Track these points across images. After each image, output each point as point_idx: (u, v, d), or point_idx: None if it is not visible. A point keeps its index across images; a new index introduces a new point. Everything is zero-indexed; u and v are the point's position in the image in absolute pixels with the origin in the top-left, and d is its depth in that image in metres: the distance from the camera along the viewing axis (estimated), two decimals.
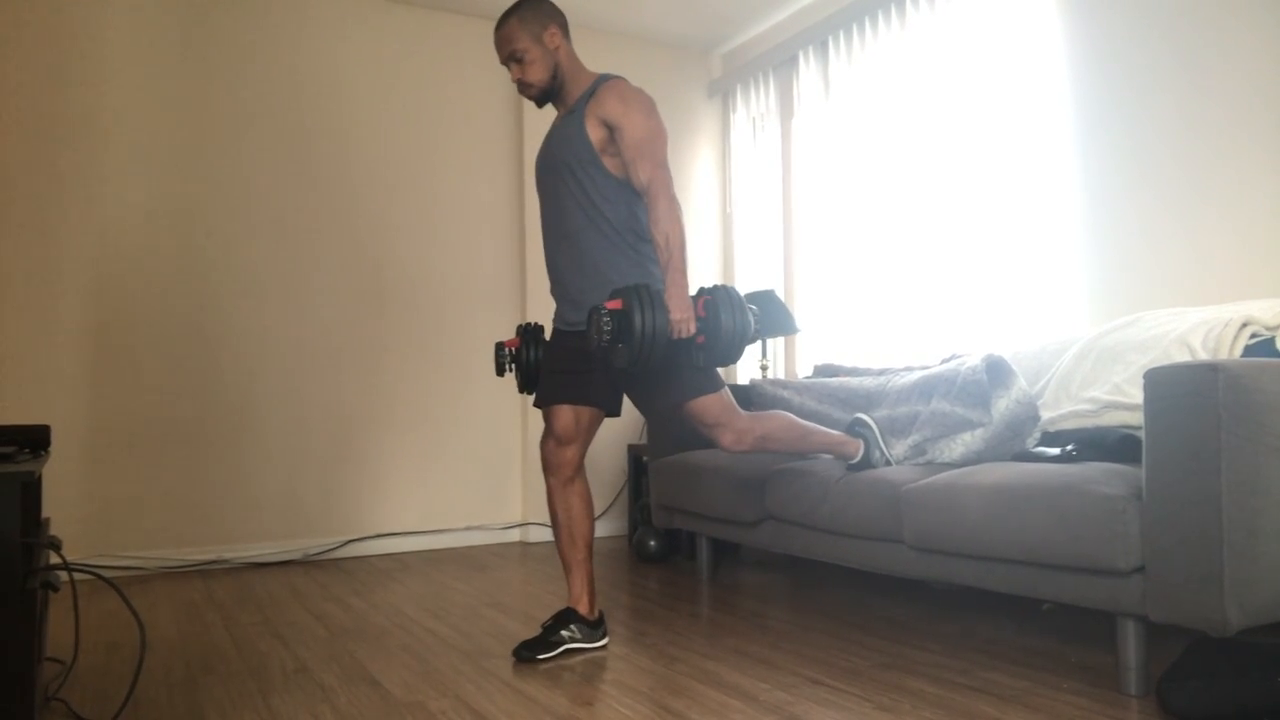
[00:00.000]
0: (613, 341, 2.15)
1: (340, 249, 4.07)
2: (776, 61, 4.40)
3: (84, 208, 3.61)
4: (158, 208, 3.74)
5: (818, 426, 2.63)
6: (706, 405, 2.39)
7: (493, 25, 4.42)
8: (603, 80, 2.38)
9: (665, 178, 2.29)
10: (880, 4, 3.76)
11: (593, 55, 4.56)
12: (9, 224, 3.49)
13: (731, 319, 2.21)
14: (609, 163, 2.34)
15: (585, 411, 2.44)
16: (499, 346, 2.61)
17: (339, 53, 4.10)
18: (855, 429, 2.71)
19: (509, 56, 2.39)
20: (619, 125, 2.30)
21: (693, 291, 2.29)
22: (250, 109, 3.92)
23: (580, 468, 2.46)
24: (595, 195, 2.35)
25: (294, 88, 4.01)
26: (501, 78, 4.44)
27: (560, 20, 2.41)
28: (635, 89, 2.36)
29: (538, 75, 2.38)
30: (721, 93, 4.85)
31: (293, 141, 3.99)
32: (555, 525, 2.45)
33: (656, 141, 2.31)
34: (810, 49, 4.19)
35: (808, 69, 4.22)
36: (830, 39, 4.07)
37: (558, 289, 2.49)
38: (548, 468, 2.43)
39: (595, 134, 2.33)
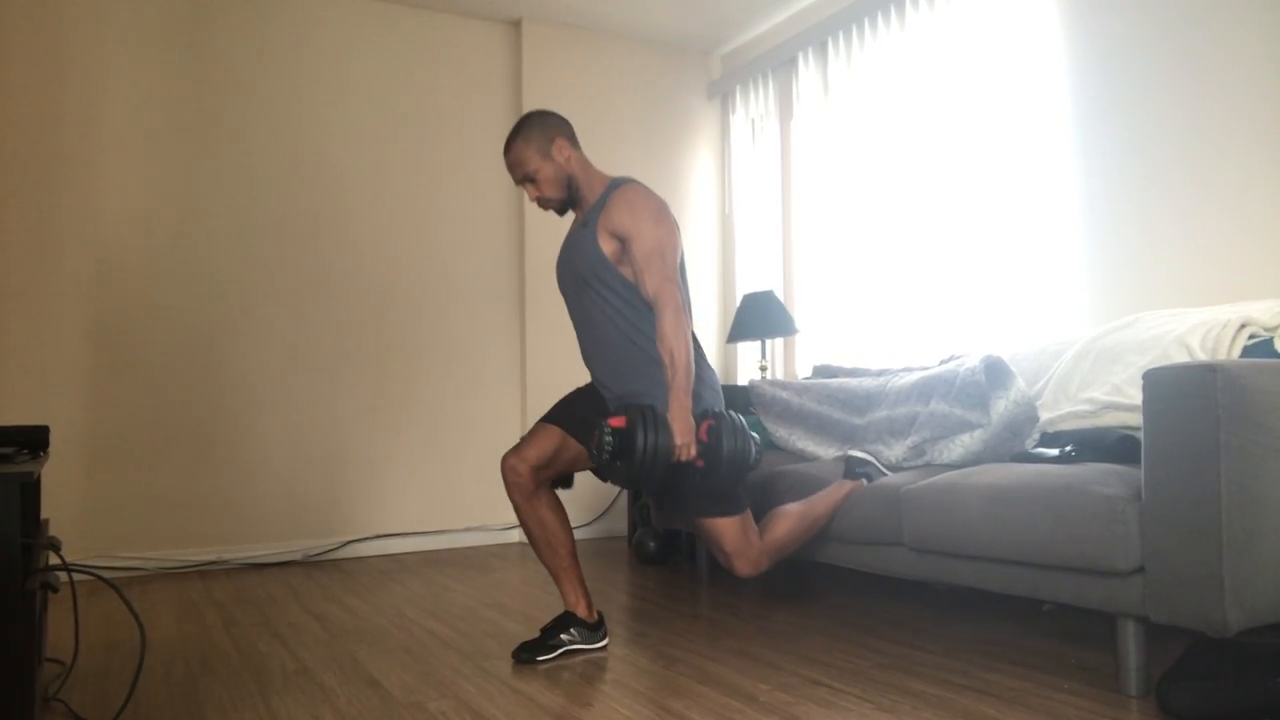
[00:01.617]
0: (612, 459, 2.16)
1: (340, 249, 4.07)
2: (776, 63, 4.41)
3: (84, 207, 3.61)
4: (158, 208, 3.74)
5: (816, 498, 2.60)
6: (723, 529, 2.38)
7: (495, 26, 4.43)
8: (613, 188, 2.37)
9: (673, 291, 2.26)
10: (880, 5, 3.76)
11: (593, 56, 4.57)
12: (9, 224, 3.48)
13: (734, 445, 2.20)
14: (626, 271, 2.33)
15: (574, 446, 2.41)
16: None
17: (339, 54, 4.11)
18: (855, 471, 2.67)
19: (523, 178, 2.39)
20: (628, 237, 2.28)
21: (701, 411, 2.29)
22: (250, 109, 3.92)
23: (542, 483, 2.40)
24: (619, 303, 2.34)
25: (294, 88, 4.01)
26: (502, 80, 4.44)
27: (566, 131, 2.40)
28: (644, 196, 2.34)
29: (554, 191, 2.39)
30: (721, 94, 4.85)
31: (292, 142, 3.99)
32: (532, 541, 2.42)
33: (665, 251, 2.28)
34: (809, 50, 4.20)
35: (807, 70, 4.22)
36: (829, 40, 4.08)
37: (596, 380, 2.48)
38: (508, 485, 2.38)
39: (608, 246, 2.32)
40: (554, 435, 2.40)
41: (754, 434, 2.26)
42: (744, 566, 2.42)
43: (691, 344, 2.26)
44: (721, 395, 2.47)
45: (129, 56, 3.71)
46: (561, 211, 2.46)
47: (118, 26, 3.69)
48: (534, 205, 4.38)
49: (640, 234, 2.28)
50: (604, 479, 2.38)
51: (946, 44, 3.51)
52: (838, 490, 2.63)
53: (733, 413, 2.27)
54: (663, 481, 2.21)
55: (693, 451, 2.18)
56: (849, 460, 2.69)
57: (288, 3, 4.01)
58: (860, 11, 3.86)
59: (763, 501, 2.94)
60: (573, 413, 2.44)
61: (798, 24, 4.32)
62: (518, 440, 4.33)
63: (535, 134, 2.37)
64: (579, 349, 2.50)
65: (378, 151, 4.17)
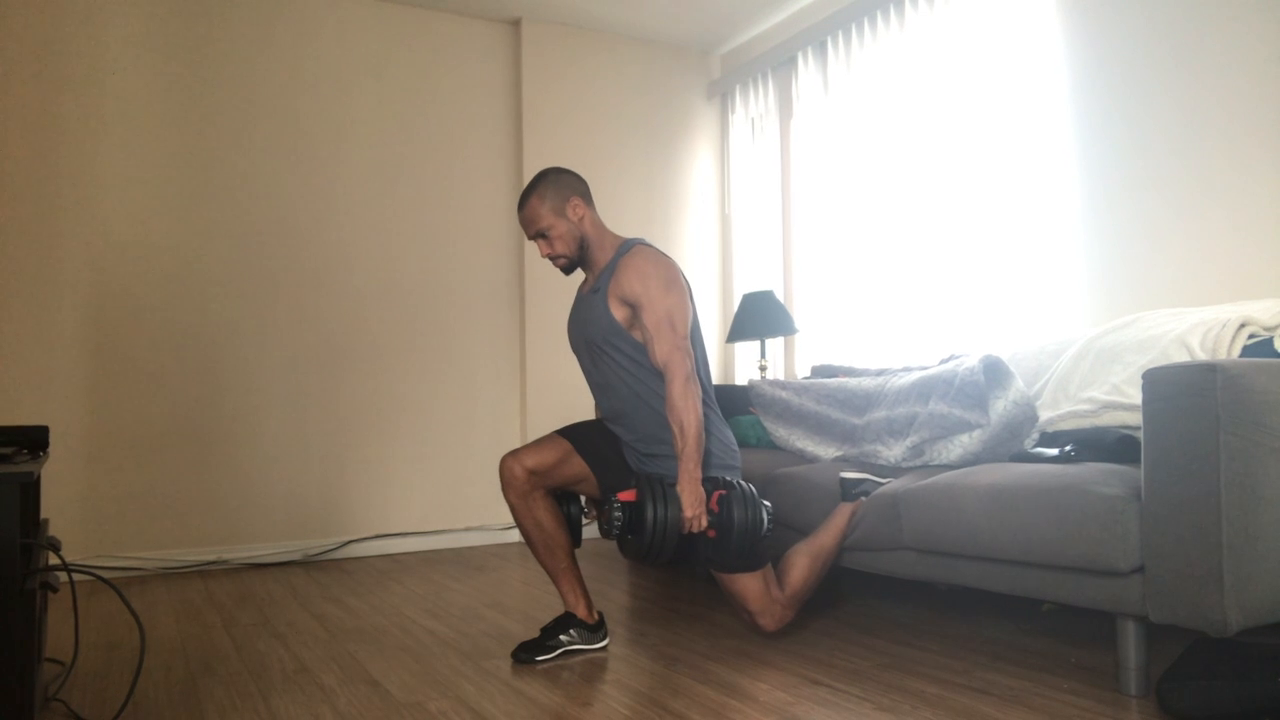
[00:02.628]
0: (622, 533, 2.17)
1: (340, 250, 4.06)
2: (775, 62, 4.41)
3: (84, 209, 3.61)
4: (157, 208, 3.74)
5: (822, 530, 2.58)
6: (746, 586, 2.36)
7: (495, 27, 4.43)
8: (623, 252, 2.37)
9: (682, 360, 2.25)
10: (879, 4, 3.76)
11: (593, 56, 4.57)
12: (9, 224, 3.48)
13: (745, 514, 2.20)
14: (639, 335, 2.34)
15: (579, 465, 2.41)
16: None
17: (339, 52, 4.10)
18: (853, 493, 2.65)
19: (535, 234, 2.39)
20: (638, 304, 2.29)
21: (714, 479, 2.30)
22: (250, 109, 3.92)
23: (537, 486, 2.39)
24: (633, 367, 2.35)
25: (294, 87, 4.01)
26: (502, 79, 4.44)
27: (582, 190, 2.40)
28: (654, 262, 2.33)
29: (565, 248, 2.39)
30: (720, 93, 4.85)
31: (292, 142, 3.99)
32: (530, 542, 2.42)
33: (675, 318, 2.28)
34: (809, 50, 4.20)
35: (806, 69, 4.22)
36: (829, 39, 4.07)
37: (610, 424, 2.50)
38: (504, 485, 2.37)
39: (619, 313, 2.33)
40: (561, 448, 2.40)
41: (765, 503, 2.26)
42: (769, 623, 2.40)
43: (701, 413, 2.25)
44: (737, 451, 2.48)
45: (128, 58, 3.71)
46: (569, 270, 2.46)
47: (117, 28, 3.69)
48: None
49: (650, 302, 2.28)
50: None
51: (946, 44, 3.51)
52: (840, 517, 2.60)
53: (743, 482, 2.27)
54: (675, 552, 2.21)
55: (704, 523, 2.19)
56: (843, 484, 2.67)
57: (288, 3, 4.01)
58: (860, 11, 3.85)
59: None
60: (588, 436, 2.44)
61: (797, 24, 4.32)
62: (518, 441, 4.37)
63: (550, 191, 2.37)
64: (598, 408, 2.51)
65: (377, 151, 4.16)
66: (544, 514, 2.39)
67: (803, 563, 2.49)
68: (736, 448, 2.49)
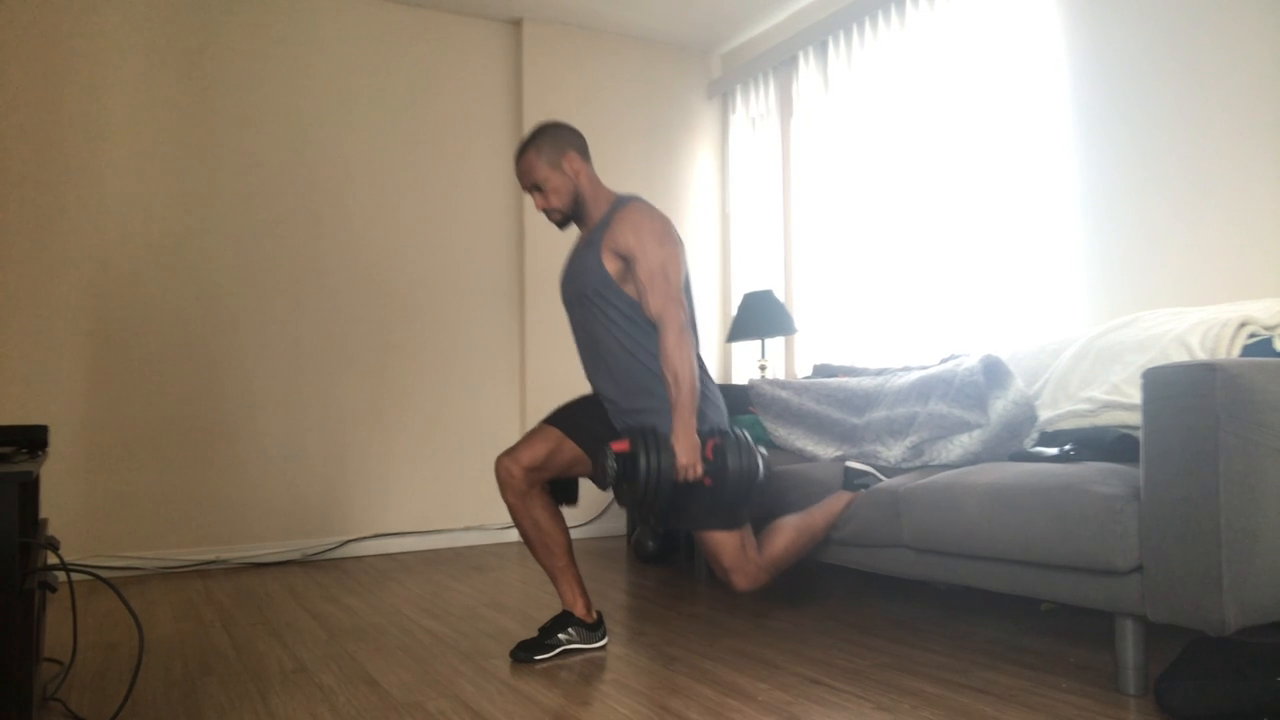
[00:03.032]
0: (618, 483, 2.18)
1: (340, 249, 4.06)
2: (776, 62, 4.40)
3: (84, 208, 3.61)
4: (157, 208, 3.74)
5: (814, 510, 2.59)
6: (722, 543, 2.38)
7: (496, 27, 4.43)
8: (618, 206, 2.37)
9: (676, 311, 2.26)
10: (880, 4, 3.76)
11: (593, 55, 4.57)
12: (8, 224, 3.48)
13: (739, 463, 2.20)
14: (630, 290, 2.34)
15: (571, 449, 2.41)
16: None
17: (339, 52, 4.10)
18: (854, 483, 2.66)
19: (531, 186, 2.40)
20: (632, 256, 2.29)
21: (708, 428, 2.30)
22: (249, 108, 3.92)
23: (535, 484, 2.40)
24: (623, 321, 2.35)
25: (294, 87, 4.01)
26: (503, 80, 4.44)
27: (578, 145, 2.41)
28: (649, 215, 2.34)
29: (560, 202, 2.39)
30: (721, 93, 4.85)
31: (292, 141, 3.99)
32: (528, 541, 2.42)
33: (669, 271, 2.29)
34: (810, 49, 4.20)
35: (807, 69, 4.22)
36: (830, 39, 4.07)
37: (595, 391, 2.49)
38: (501, 485, 2.38)
39: (611, 265, 2.32)
40: (551, 437, 2.40)
41: (761, 450, 2.26)
42: (741, 581, 2.42)
43: (695, 364, 2.26)
44: (725, 412, 2.48)
45: (130, 57, 3.70)
46: (564, 225, 2.46)
47: (118, 27, 3.69)
48: (533, 203, 4.37)
49: (644, 254, 2.28)
50: (603, 485, 2.40)
51: (947, 43, 3.51)
52: (836, 502, 2.62)
53: (739, 430, 2.27)
54: (671, 501, 2.22)
55: (699, 471, 2.20)
56: (847, 471, 2.68)
57: (289, 3, 4.01)
58: (860, 11, 3.85)
59: (761, 501, 2.94)
60: (574, 418, 2.44)
61: (798, 23, 4.32)
62: (518, 437, 4.37)
63: (547, 145, 2.37)
64: (581, 366, 2.51)
65: (378, 151, 4.16)
66: (541, 513, 2.39)
67: (789, 534, 2.51)
68: (725, 409, 2.49)
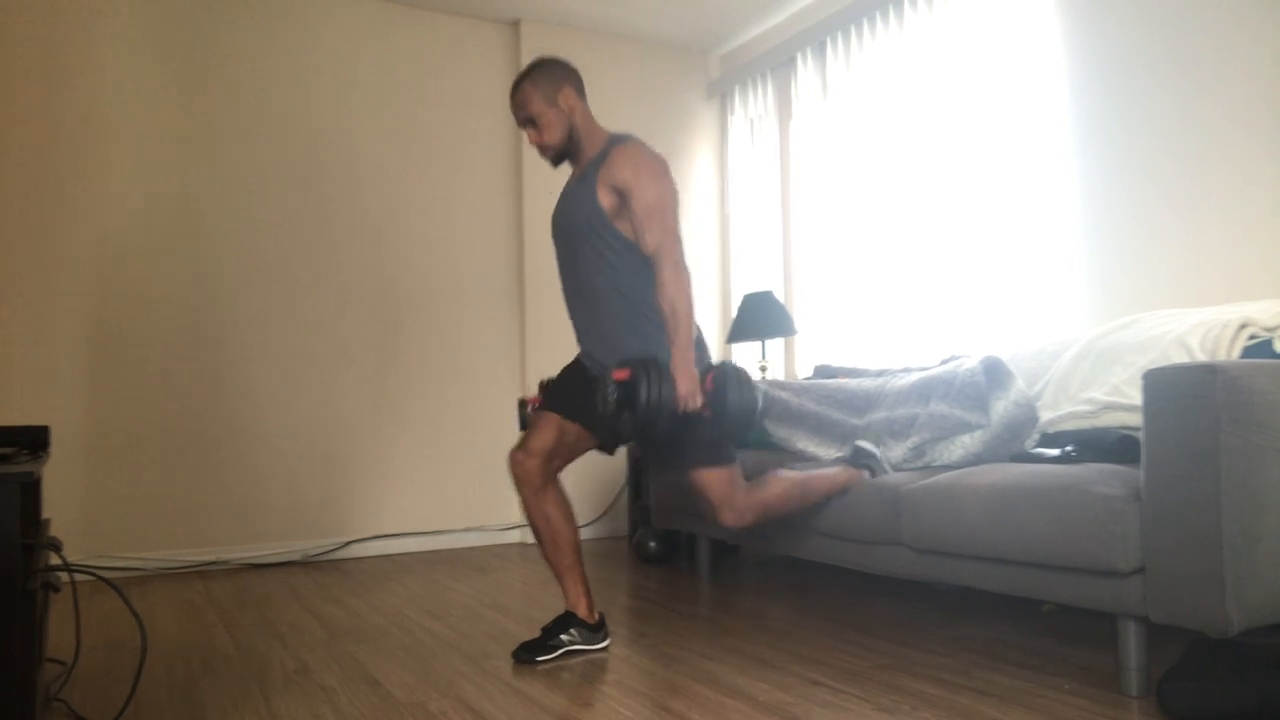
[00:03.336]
0: (618, 411, 2.17)
1: (340, 250, 4.07)
2: (774, 63, 4.41)
3: (84, 207, 3.61)
4: (158, 208, 3.74)
5: (816, 473, 2.60)
6: (712, 480, 2.38)
7: (496, 28, 4.43)
8: (614, 143, 2.37)
9: (673, 245, 2.27)
10: (878, 5, 3.76)
11: (592, 56, 4.57)
12: (9, 224, 3.48)
13: (739, 395, 2.21)
14: (622, 227, 2.33)
15: (572, 428, 2.41)
16: (521, 403, 2.54)
17: (340, 54, 4.11)
18: (860, 460, 2.68)
19: (525, 120, 2.39)
20: (629, 191, 2.28)
21: (706, 364, 2.30)
22: (251, 110, 3.92)
23: (550, 477, 2.41)
24: (613, 260, 2.34)
25: (295, 88, 4.01)
26: (503, 80, 4.45)
27: (574, 81, 2.41)
28: (647, 152, 2.34)
29: (553, 137, 2.38)
30: (719, 94, 4.86)
31: (293, 142, 3.99)
32: (537, 536, 2.42)
33: (666, 207, 2.29)
34: (808, 50, 4.20)
35: (806, 70, 4.22)
36: (828, 40, 4.08)
37: (580, 342, 2.48)
38: (515, 479, 2.39)
39: (606, 200, 2.32)
40: (551, 422, 2.40)
41: (760, 384, 2.27)
42: (728, 516, 2.42)
43: (692, 297, 2.27)
44: (711, 358, 2.49)
45: (130, 56, 3.71)
46: (557, 162, 2.45)
47: (119, 26, 3.69)
48: (534, 207, 4.38)
49: (642, 189, 2.28)
50: (609, 448, 2.42)
51: (945, 44, 3.52)
52: (840, 474, 2.62)
53: (738, 365, 2.28)
54: (669, 433, 2.21)
55: (698, 402, 2.20)
56: (855, 449, 2.69)
57: (288, 3, 4.01)
58: (859, 12, 3.86)
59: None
60: (562, 398, 2.44)
61: (796, 24, 4.32)
62: (518, 439, 4.37)
63: (543, 79, 2.37)
64: (565, 306, 2.49)
65: (377, 152, 4.17)
66: (555, 509, 2.40)
67: (784, 485, 2.51)
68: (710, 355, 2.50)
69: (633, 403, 2.14)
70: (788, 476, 2.55)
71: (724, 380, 2.22)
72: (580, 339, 2.48)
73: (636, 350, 2.31)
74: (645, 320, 2.34)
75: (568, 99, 2.38)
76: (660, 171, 2.32)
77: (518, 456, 2.37)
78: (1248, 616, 1.76)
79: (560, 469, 2.43)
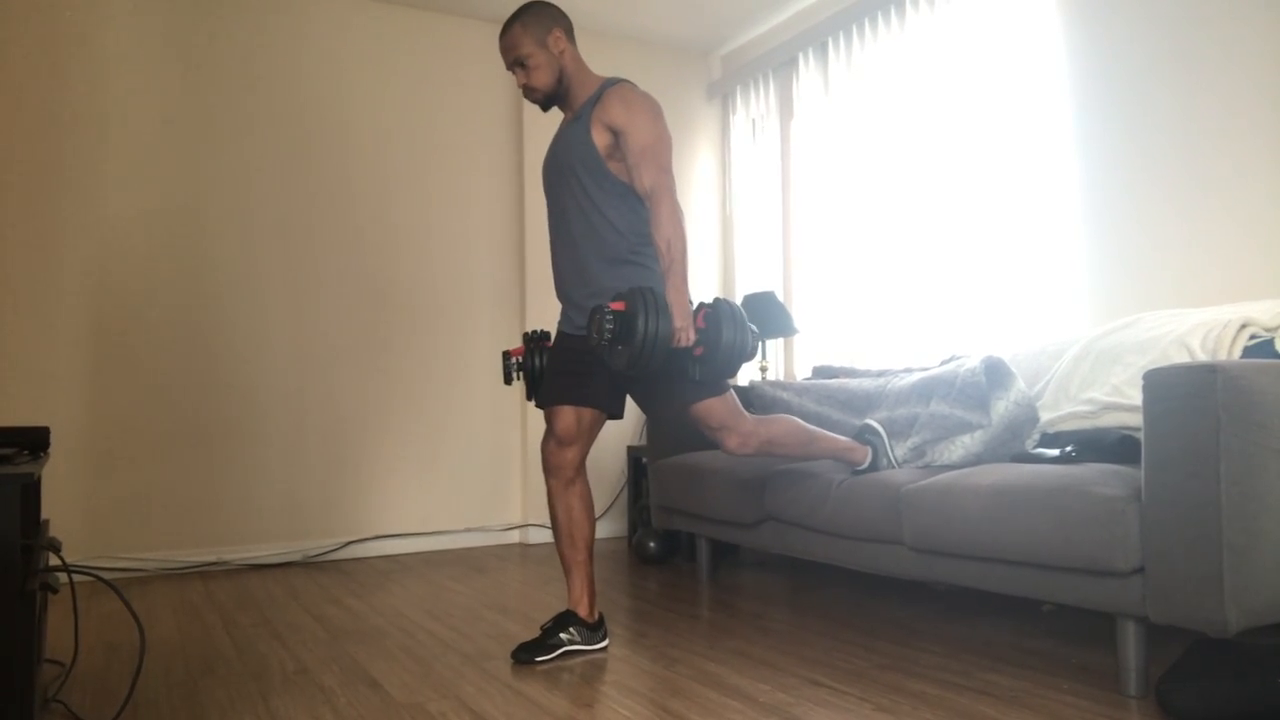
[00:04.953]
0: (613, 342, 2.15)
1: (340, 250, 4.07)
2: (776, 63, 4.41)
3: (84, 208, 3.61)
4: (158, 208, 3.74)
5: (824, 432, 2.60)
6: (711, 408, 2.38)
7: (495, 28, 4.43)
8: (609, 85, 2.38)
9: (668, 183, 2.29)
10: (880, 5, 3.76)
11: (592, 57, 4.56)
12: (9, 224, 3.49)
13: (732, 333, 2.21)
14: (614, 168, 2.34)
15: (587, 413, 2.43)
16: (505, 355, 2.59)
17: (340, 54, 4.11)
18: (864, 436, 2.69)
19: (514, 62, 2.40)
20: (624, 131, 2.30)
21: (696, 304, 2.29)
22: (250, 110, 3.92)
23: (581, 469, 2.45)
24: (600, 200, 2.34)
25: (295, 89, 4.01)
26: (502, 80, 4.45)
27: (565, 24, 2.41)
28: (641, 94, 2.36)
29: (542, 80, 2.38)
30: (721, 94, 4.85)
31: (293, 143, 4.00)
32: (555, 527, 2.45)
33: (660, 147, 2.31)
34: (810, 50, 4.20)
35: (807, 70, 4.22)
36: (830, 40, 4.08)
37: (562, 292, 2.48)
38: (548, 469, 2.43)
39: (600, 139, 2.33)
40: (564, 411, 2.41)
41: (752, 326, 2.26)
42: (732, 441, 2.40)
43: (685, 234, 2.27)
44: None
45: (129, 56, 3.71)
46: (546, 106, 2.45)
47: (118, 27, 3.69)
48: (534, 207, 4.38)
49: (636, 128, 2.29)
50: (618, 410, 2.44)
51: (946, 44, 3.51)
52: (842, 441, 2.62)
53: (731, 301, 2.27)
54: (661, 368, 2.20)
55: (692, 336, 2.19)
56: (864, 426, 2.69)
57: (287, 4, 4.01)
58: (860, 12, 3.86)
59: (763, 502, 2.94)
60: (559, 385, 2.44)
61: (798, 24, 4.32)
62: (518, 442, 4.38)
63: (533, 21, 2.37)
64: (550, 261, 2.49)
65: (378, 152, 4.17)
66: (577, 502, 2.43)
67: (790, 425, 2.50)
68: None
69: (628, 334, 2.12)
70: (798, 422, 2.54)
71: (717, 317, 2.21)
72: (560, 288, 2.47)
73: (628, 283, 2.32)
74: (635, 254, 2.35)
75: (558, 41, 2.38)
76: (655, 112, 2.34)
77: (551, 446, 2.41)
78: (1247, 617, 1.76)
79: (587, 450, 2.45)
